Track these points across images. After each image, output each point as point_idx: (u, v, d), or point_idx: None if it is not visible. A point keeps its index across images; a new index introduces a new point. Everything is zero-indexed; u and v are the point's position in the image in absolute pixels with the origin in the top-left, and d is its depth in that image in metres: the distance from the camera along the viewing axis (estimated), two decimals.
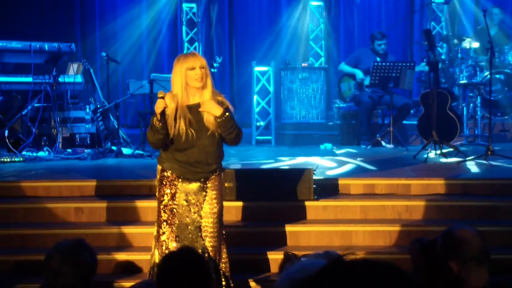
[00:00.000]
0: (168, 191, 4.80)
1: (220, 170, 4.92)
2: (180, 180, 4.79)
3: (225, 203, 6.10)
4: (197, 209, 4.80)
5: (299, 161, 8.17)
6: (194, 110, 4.71)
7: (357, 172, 7.26)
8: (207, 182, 4.82)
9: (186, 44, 12.08)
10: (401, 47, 12.20)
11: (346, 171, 7.39)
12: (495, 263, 4.14)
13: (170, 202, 4.79)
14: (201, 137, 4.72)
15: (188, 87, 4.69)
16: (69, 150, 8.86)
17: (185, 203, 4.79)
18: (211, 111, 4.64)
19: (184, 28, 12.10)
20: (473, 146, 9.02)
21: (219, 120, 4.63)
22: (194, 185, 4.80)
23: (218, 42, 12.41)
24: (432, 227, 5.88)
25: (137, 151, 8.65)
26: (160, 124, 4.61)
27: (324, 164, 7.81)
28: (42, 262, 3.33)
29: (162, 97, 4.61)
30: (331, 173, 7.19)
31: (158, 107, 4.59)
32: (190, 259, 3.32)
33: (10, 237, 6.10)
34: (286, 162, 8.09)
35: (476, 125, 9.59)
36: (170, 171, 4.80)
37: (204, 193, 4.81)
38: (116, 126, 9.24)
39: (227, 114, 4.63)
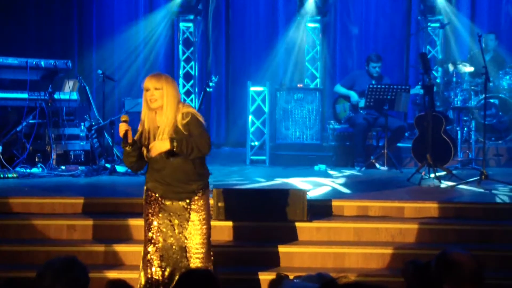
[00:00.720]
0: (152, 210, 4.81)
1: (204, 190, 4.87)
2: (163, 200, 4.79)
3: (217, 223, 6.13)
4: (181, 229, 4.79)
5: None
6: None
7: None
8: (191, 203, 4.80)
9: (182, 63, 12.11)
10: (397, 70, 12.25)
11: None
12: (489, 287, 4.13)
13: (154, 222, 4.79)
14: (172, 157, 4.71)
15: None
16: (63, 167, 8.83)
17: (169, 222, 4.79)
18: (161, 150, 4.63)
19: (180, 47, 12.13)
20: (467, 170, 9.04)
21: (174, 150, 4.62)
22: (177, 205, 4.79)
23: (214, 61, 12.44)
24: (425, 250, 5.87)
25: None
26: (128, 147, 4.65)
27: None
28: (34, 280, 3.31)
29: (125, 121, 4.63)
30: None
31: (120, 130, 4.63)
32: (205, 280, 3.31)
33: (2, 254, 6.07)
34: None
35: (470, 149, 9.62)
36: (153, 191, 4.81)
37: (188, 213, 4.79)
38: (111, 144, 9.23)
39: (174, 143, 4.59)
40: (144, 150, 4.74)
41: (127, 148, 4.67)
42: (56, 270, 3.26)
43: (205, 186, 4.91)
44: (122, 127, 4.62)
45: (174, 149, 4.61)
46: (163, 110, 4.67)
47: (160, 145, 4.62)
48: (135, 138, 4.71)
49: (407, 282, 3.64)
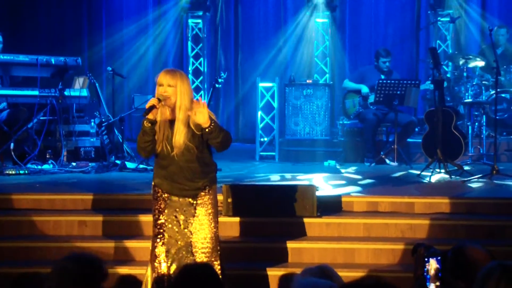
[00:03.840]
0: (158, 206, 4.82)
1: (210, 186, 4.86)
2: (169, 196, 4.80)
3: (226, 219, 6.15)
4: (187, 225, 4.78)
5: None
6: (173, 126, 4.70)
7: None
8: (197, 198, 4.80)
9: (191, 60, 12.12)
10: (406, 65, 12.21)
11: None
12: None
13: (160, 217, 4.80)
14: (178, 154, 4.70)
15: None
16: (74, 163, 8.87)
17: (174, 218, 4.79)
18: (199, 121, 4.58)
19: (189, 43, 12.14)
20: (478, 165, 9.00)
21: (208, 129, 4.60)
22: (183, 201, 4.79)
23: (223, 57, 12.46)
24: (436, 246, 5.83)
25: (141, 165, 8.66)
26: (147, 122, 4.61)
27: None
28: (47, 275, 3.32)
29: (159, 99, 4.60)
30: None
31: (149, 102, 4.61)
32: (206, 275, 3.32)
33: (14, 250, 6.11)
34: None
35: (481, 144, 9.58)
36: (159, 187, 4.82)
37: (193, 209, 4.79)
38: (121, 140, 9.26)
39: (213, 123, 4.60)
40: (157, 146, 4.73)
41: (145, 124, 4.63)
42: (68, 267, 3.27)
43: (212, 182, 4.89)
44: (153, 101, 4.59)
45: (208, 128, 4.59)
46: (176, 107, 4.66)
47: (203, 116, 4.56)
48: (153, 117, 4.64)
49: (418, 266, 3.60)
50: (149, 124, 4.63)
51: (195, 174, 4.78)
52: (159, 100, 4.61)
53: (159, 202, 4.81)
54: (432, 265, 3.49)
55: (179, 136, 4.66)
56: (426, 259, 3.41)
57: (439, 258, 3.42)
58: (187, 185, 4.78)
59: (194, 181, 4.79)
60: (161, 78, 4.68)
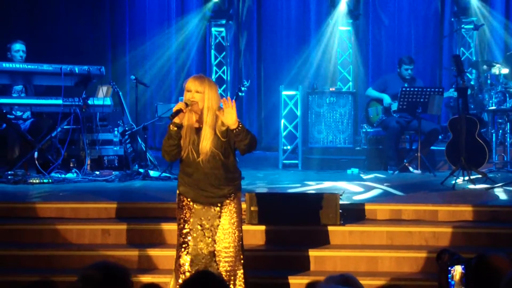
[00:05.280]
0: (183, 215, 4.81)
1: (235, 193, 4.87)
2: (194, 204, 4.80)
3: (250, 227, 6.15)
4: (211, 234, 4.78)
5: (326, 185, 8.14)
6: (199, 133, 4.72)
7: (384, 197, 7.22)
8: (222, 207, 4.80)
9: (214, 68, 12.16)
10: (429, 73, 12.15)
11: (373, 196, 7.36)
12: None
13: (185, 226, 4.80)
14: (204, 161, 4.71)
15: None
16: (97, 172, 8.91)
17: (199, 227, 4.78)
18: (228, 122, 4.61)
19: (212, 52, 12.19)
20: (502, 172, 8.94)
21: (236, 129, 4.63)
22: (208, 210, 4.79)
23: (246, 66, 12.47)
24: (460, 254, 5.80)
25: (164, 174, 8.69)
26: (173, 125, 4.62)
27: (351, 189, 7.78)
28: (75, 281, 3.32)
29: (187, 104, 4.62)
30: (358, 197, 7.16)
31: (177, 106, 4.64)
32: (211, 283, 3.30)
33: (37, 258, 6.14)
34: (313, 187, 8.06)
35: (506, 151, 9.50)
36: (184, 196, 4.83)
37: (218, 218, 4.79)
38: (144, 149, 9.29)
39: (240, 124, 4.63)
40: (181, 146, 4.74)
41: (171, 127, 4.65)
42: (93, 275, 3.27)
43: (237, 190, 4.90)
44: (180, 105, 4.62)
45: (237, 128, 4.60)
46: (203, 112, 4.68)
47: (231, 116, 4.59)
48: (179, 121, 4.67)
49: (442, 273, 3.57)
50: (175, 128, 4.65)
51: (221, 181, 4.79)
52: (187, 105, 4.63)
53: (184, 211, 4.81)
54: (457, 271, 3.45)
55: (206, 142, 4.67)
56: (450, 266, 3.39)
57: (464, 265, 3.39)
58: (212, 192, 4.78)
59: (219, 187, 4.79)
60: (190, 84, 4.70)
